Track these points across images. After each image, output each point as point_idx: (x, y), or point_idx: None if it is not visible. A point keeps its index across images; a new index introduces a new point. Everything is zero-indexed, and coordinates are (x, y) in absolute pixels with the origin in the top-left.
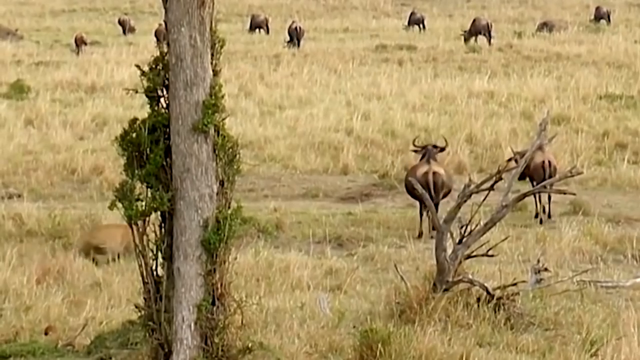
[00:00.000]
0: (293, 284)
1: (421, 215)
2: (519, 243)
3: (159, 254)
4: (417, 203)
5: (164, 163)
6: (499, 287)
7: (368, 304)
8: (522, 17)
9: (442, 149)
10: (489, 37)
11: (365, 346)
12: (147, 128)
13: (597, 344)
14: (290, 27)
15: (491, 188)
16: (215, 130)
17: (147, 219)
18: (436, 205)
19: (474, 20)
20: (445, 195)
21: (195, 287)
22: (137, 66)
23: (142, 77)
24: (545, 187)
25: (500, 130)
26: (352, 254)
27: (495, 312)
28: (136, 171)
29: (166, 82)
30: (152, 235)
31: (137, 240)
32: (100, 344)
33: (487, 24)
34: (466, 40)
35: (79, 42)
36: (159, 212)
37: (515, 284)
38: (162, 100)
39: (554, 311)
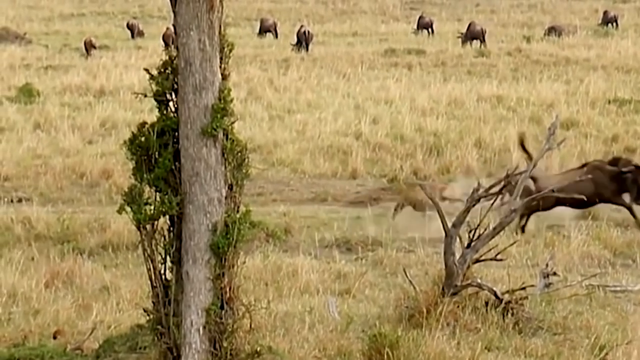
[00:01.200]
0: (302, 288)
1: None
2: (528, 247)
3: (168, 257)
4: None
5: (173, 167)
6: (507, 292)
7: (377, 308)
8: (531, 22)
9: None
10: (484, 42)
11: (373, 350)
12: (156, 132)
13: (605, 349)
14: (299, 31)
15: (500, 192)
16: (224, 134)
17: (156, 222)
18: None
19: (469, 26)
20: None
21: (204, 291)
22: (146, 70)
23: (151, 81)
24: (553, 191)
25: (509, 134)
26: (361, 258)
27: (503, 316)
28: (145, 175)
29: (175, 86)
30: (160, 239)
31: (145, 245)
32: (108, 348)
33: (481, 29)
34: (463, 43)
35: (88, 46)
36: (167, 216)
37: (523, 288)
38: (170, 104)
39: (563, 315)
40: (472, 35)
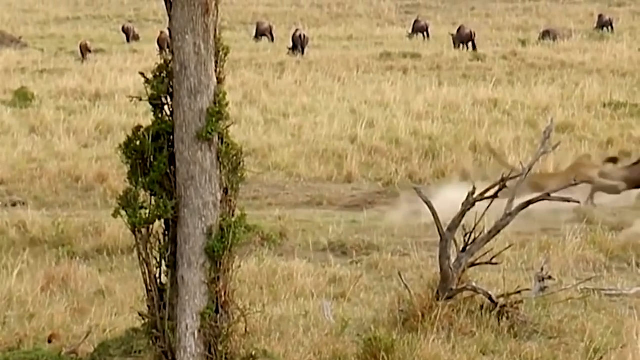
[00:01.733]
0: (297, 291)
1: None
2: (523, 251)
3: (163, 261)
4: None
5: (168, 171)
6: (502, 295)
7: (372, 312)
8: (526, 25)
9: None
10: (473, 46)
11: (369, 354)
12: (151, 136)
13: (600, 352)
14: (294, 34)
15: (495, 196)
16: (219, 138)
17: (151, 226)
18: None
19: (459, 29)
20: None
21: (199, 295)
22: (142, 74)
23: (146, 85)
24: (548, 195)
25: (505, 138)
26: (356, 262)
27: (498, 320)
28: (140, 179)
29: (170, 89)
30: (156, 243)
31: (140, 248)
32: (103, 351)
33: (471, 32)
34: (454, 46)
35: (84, 50)
36: (163, 220)
37: (519, 292)
38: (166, 107)
39: (558, 319)
40: (462, 38)
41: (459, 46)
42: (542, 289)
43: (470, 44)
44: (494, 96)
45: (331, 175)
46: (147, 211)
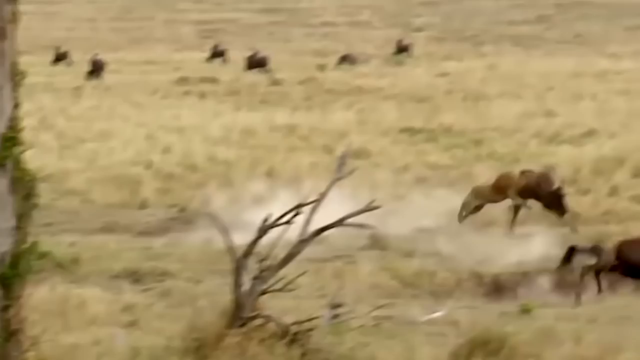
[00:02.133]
0: (89, 319)
1: None
2: (317, 278)
3: None
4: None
5: None
6: (295, 323)
7: (164, 340)
8: (325, 50)
9: None
10: (267, 72)
11: None
12: None
13: None
14: (92, 59)
15: (289, 222)
16: (13, 164)
17: None
18: None
19: (252, 54)
20: None
21: None
22: None
23: None
24: (342, 221)
25: (301, 164)
26: (149, 289)
27: (290, 347)
28: None
29: None
30: None
31: None
32: None
33: (264, 57)
34: (248, 69)
35: None
36: None
37: (311, 320)
38: None
39: (350, 347)
40: (254, 63)
41: (250, 70)
42: (335, 317)
43: (264, 68)
44: (291, 121)
45: (126, 201)
46: None
